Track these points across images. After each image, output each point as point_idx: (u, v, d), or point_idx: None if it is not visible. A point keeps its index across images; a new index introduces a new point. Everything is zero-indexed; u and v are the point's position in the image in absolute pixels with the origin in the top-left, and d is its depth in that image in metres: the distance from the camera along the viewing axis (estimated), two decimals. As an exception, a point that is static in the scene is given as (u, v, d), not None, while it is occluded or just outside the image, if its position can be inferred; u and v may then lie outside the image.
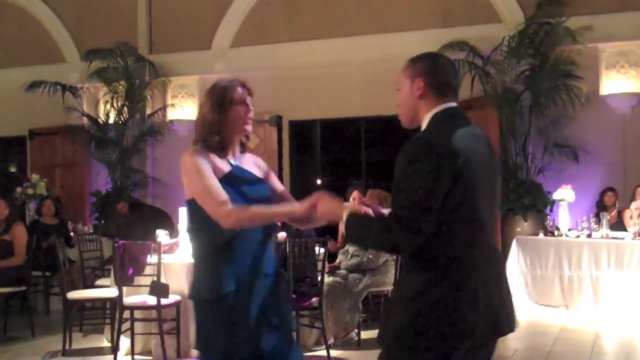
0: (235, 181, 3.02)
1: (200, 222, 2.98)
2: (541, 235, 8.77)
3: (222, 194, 2.91)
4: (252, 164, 3.20)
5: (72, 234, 9.50)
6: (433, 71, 2.67)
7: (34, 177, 10.85)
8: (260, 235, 3.04)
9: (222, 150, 3.06)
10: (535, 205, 9.19)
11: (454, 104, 2.68)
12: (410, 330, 2.51)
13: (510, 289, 2.81)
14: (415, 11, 10.70)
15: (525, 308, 8.35)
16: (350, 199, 7.64)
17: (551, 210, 9.25)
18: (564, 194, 8.72)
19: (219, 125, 3.04)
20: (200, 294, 2.98)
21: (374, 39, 10.72)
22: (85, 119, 11.79)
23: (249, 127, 3.13)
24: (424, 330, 2.48)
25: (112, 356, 6.11)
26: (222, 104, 3.04)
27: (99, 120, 11.73)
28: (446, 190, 2.45)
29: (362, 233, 2.65)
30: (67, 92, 11.49)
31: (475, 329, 2.49)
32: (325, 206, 2.80)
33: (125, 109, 11.49)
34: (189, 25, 11.82)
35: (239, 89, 3.09)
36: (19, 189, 10.68)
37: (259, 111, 11.69)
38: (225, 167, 3.04)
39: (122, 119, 11.52)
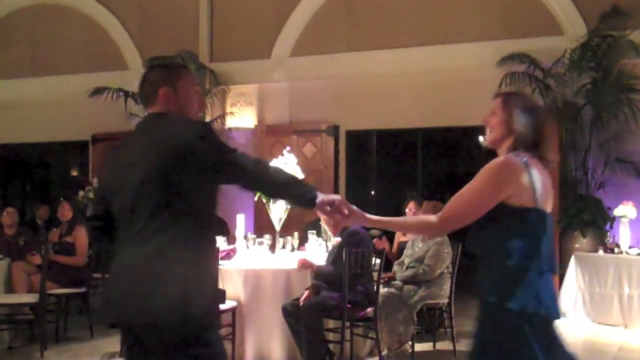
0: None
1: None
2: (600, 252, 8.61)
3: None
4: None
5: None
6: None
7: (96, 181, 11.07)
8: None
9: None
10: (595, 222, 9.01)
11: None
12: None
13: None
14: (475, 22, 10.64)
15: (583, 326, 8.21)
16: (407, 210, 7.66)
17: (611, 227, 9.05)
18: (625, 211, 8.56)
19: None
20: None
21: (433, 50, 10.70)
22: (146, 125, 11.97)
23: None
24: None
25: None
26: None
27: (160, 126, 11.90)
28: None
29: None
30: (130, 99, 11.69)
31: None
32: None
33: (185, 116, 11.64)
34: (249, 34, 11.96)
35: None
36: (81, 193, 10.91)
37: (316, 120, 11.77)
38: None
39: (182, 125, 11.67)
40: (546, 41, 9.92)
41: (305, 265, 6.29)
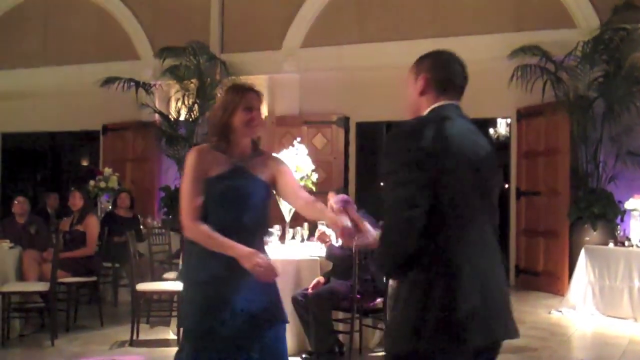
0: (227, 180, 3.15)
1: None
2: (611, 245, 8.57)
3: (195, 201, 3.14)
4: (261, 164, 3.27)
5: (141, 226, 9.71)
6: (435, 68, 2.72)
7: (107, 170, 11.08)
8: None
9: (225, 150, 3.19)
10: (606, 215, 8.99)
11: (453, 102, 2.69)
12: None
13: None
14: (487, 14, 10.60)
15: (593, 319, 8.20)
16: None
17: (622, 220, 9.03)
18: (636, 204, 8.52)
19: (224, 127, 3.18)
20: None
21: (444, 42, 10.52)
22: (156, 116, 12.02)
23: (255, 131, 3.24)
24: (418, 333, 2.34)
25: (177, 348, 6.21)
26: (228, 108, 3.17)
27: (170, 117, 11.94)
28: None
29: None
30: (140, 89, 11.73)
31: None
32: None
33: (196, 106, 11.68)
34: (260, 25, 11.95)
35: (249, 95, 3.20)
36: (91, 182, 10.93)
37: (326, 112, 11.78)
38: (224, 166, 3.17)
39: (193, 116, 11.72)
40: (558, 34, 9.88)
41: (322, 236, 6.34)
